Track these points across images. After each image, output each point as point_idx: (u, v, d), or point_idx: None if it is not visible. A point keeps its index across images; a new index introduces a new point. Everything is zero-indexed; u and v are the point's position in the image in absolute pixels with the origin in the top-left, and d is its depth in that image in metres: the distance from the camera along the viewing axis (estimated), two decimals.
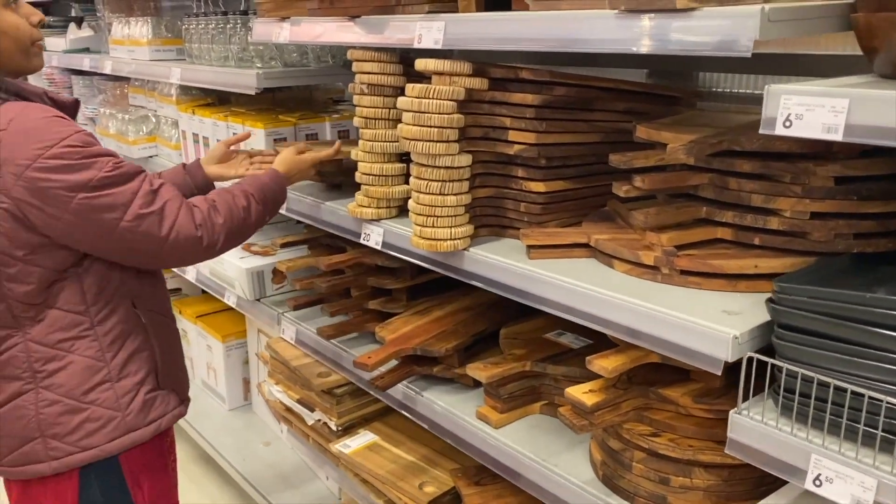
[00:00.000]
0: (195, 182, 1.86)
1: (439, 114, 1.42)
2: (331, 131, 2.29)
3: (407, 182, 1.74)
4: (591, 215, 1.55)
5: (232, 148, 1.98)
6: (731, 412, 1.10)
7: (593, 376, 1.53)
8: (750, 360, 1.07)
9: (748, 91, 1.73)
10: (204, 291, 2.90)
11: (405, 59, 1.67)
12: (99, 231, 1.38)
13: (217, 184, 1.90)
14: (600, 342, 1.48)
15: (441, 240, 1.49)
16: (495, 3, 1.56)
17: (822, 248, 1.21)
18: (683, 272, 1.26)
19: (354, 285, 2.02)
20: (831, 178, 1.20)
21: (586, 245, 1.42)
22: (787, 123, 0.96)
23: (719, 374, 1.10)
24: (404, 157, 1.73)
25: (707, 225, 1.32)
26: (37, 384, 1.44)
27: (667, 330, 1.15)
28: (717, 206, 1.30)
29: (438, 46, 1.43)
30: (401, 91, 1.69)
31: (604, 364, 1.26)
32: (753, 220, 1.25)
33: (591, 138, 1.55)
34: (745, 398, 1.09)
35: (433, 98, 1.42)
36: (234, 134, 2.29)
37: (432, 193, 1.47)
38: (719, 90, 1.78)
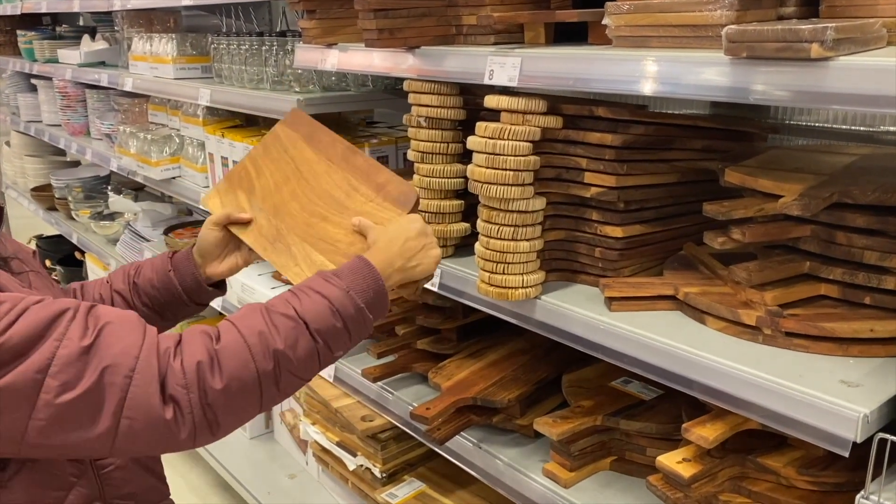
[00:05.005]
0: (183, 284, 1.39)
1: (515, 156, 1.32)
2: None
3: (464, 220, 1.65)
4: (671, 262, 1.45)
5: (230, 226, 1.42)
6: (858, 497, 1.00)
7: (669, 432, 1.45)
8: (882, 441, 0.97)
9: (825, 125, 1.64)
10: (221, 313, 2.80)
11: (464, 90, 1.57)
12: None
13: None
14: (672, 391, 1.38)
15: (512, 288, 1.39)
16: (566, 35, 1.47)
17: None
18: (789, 334, 1.16)
19: (400, 323, 1.93)
20: None
21: (671, 297, 1.33)
22: None
23: (846, 455, 1.00)
24: (461, 193, 1.63)
25: (810, 281, 1.22)
26: None
27: (783, 403, 1.05)
28: (822, 261, 1.20)
29: (514, 84, 1.34)
30: (460, 125, 1.60)
31: (703, 434, 1.16)
32: (866, 279, 1.15)
33: (668, 179, 1.46)
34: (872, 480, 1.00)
35: (508, 139, 1.33)
36: None
37: (504, 239, 1.37)
38: (793, 123, 1.68)
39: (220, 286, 1.48)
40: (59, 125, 4.07)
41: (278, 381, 1.05)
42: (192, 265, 1.41)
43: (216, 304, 2.66)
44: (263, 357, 1.03)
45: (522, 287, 1.39)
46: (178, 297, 1.41)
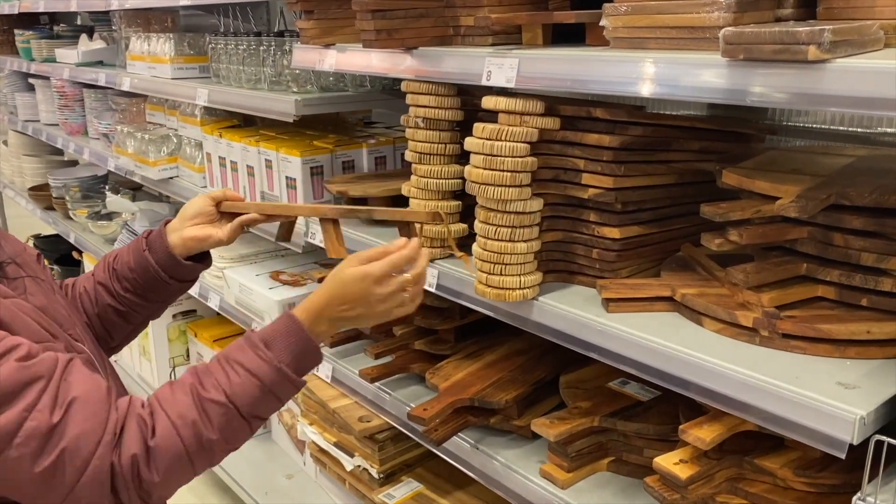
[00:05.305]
0: (158, 261, 1.40)
1: (512, 157, 1.32)
2: (368, 158, 2.19)
3: (462, 220, 1.65)
4: (668, 263, 1.45)
5: (224, 206, 1.45)
6: (855, 499, 1.00)
7: (667, 433, 1.45)
8: (879, 443, 0.98)
9: (822, 126, 1.64)
10: (219, 314, 2.79)
11: (462, 91, 1.57)
12: None
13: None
14: (669, 393, 1.38)
15: (510, 289, 1.39)
16: (563, 36, 1.47)
17: None
18: (786, 335, 1.16)
19: (397, 323, 1.92)
20: None
21: (669, 298, 1.33)
22: None
23: (843, 457, 1.00)
24: (458, 194, 1.63)
25: (807, 282, 1.22)
26: None
27: (780, 405, 1.05)
28: (819, 263, 1.20)
29: (511, 85, 1.34)
30: (457, 126, 1.60)
31: (700, 435, 1.16)
32: (863, 281, 1.15)
33: (666, 180, 1.46)
34: (869, 482, 1.00)
35: (505, 140, 1.32)
36: (266, 161, 2.19)
37: (501, 240, 1.37)
38: (790, 124, 1.68)
39: (201, 259, 1.46)
40: (57, 124, 4.07)
41: (212, 460, 1.12)
42: (165, 240, 1.40)
43: (214, 304, 2.66)
44: (198, 449, 1.08)
45: (520, 288, 1.39)
46: (155, 275, 1.40)
